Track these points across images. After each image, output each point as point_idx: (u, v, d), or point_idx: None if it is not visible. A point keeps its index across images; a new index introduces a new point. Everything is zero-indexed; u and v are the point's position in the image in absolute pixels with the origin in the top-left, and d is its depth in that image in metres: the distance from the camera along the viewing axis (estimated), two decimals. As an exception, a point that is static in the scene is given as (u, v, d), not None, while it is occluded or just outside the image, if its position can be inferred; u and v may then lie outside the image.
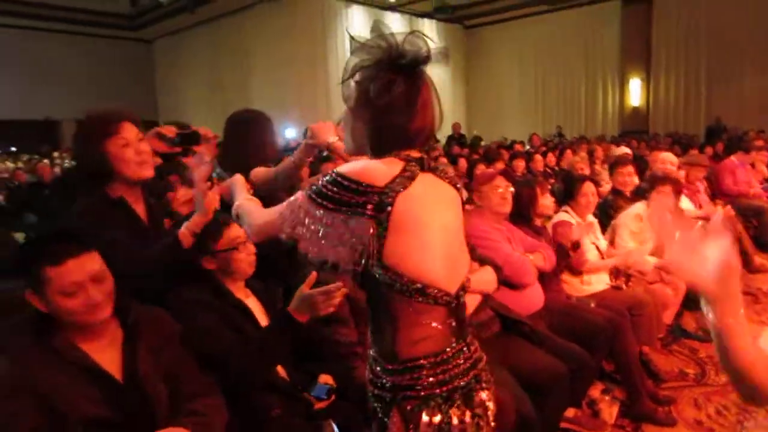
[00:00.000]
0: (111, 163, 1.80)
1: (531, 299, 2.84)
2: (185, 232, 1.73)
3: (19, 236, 7.23)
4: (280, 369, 1.87)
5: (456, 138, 12.01)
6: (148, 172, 1.85)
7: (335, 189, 1.19)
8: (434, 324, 1.24)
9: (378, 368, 1.28)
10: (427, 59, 1.24)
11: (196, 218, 1.74)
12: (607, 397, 2.94)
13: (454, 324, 1.26)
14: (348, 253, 1.20)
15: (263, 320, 1.90)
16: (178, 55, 17.42)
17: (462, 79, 17.32)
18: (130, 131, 1.83)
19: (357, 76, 1.25)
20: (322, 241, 1.20)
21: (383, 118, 1.23)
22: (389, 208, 1.18)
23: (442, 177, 1.32)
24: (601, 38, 15.20)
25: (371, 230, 1.18)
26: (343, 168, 1.21)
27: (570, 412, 2.72)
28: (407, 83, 1.22)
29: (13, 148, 15.08)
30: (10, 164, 11.56)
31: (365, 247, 1.19)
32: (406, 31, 1.25)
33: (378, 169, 1.21)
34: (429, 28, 15.96)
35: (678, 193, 3.79)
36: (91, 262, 1.44)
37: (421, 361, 1.24)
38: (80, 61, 16.61)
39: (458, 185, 1.37)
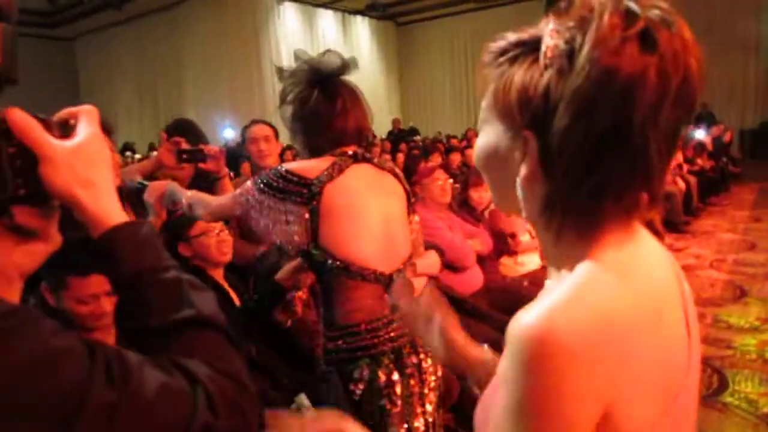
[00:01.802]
0: None
1: (471, 280, 3.13)
2: None
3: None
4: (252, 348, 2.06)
5: (395, 132, 12.29)
6: (115, 182, 1.93)
7: (279, 180, 1.43)
8: (365, 298, 1.45)
9: (324, 336, 1.51)
10: (340, 71, 1.52)
11: (152, 221, 1.82)
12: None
13: (387, 298, 1.49)
14: (290, 234, 1.43)
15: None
16: (101, 54, 16.75)
17: (396, 75, 17.65)
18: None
19: (289, 98, 1.52)
20: (270, 225, 1.44)
21: (311, 126, 1.50)
22: (318, 197, 1.41)
23: (380, 167, 1.58)
24: (526, 35, 15.83)
25: (306, 216, 1.41)
26: (288, 164, 1.48)
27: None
28: (324, 93, 1.48)
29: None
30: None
31: (303, 230, 1.42)
32: (329, 51, 1.53)
33: (311, 165, 1.46)
34: (362, 25, 16.18)
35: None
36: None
37: (353, 329, 1.46)
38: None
39: (398, 173, 1.61)
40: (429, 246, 2.90)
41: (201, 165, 2.29)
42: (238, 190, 1.50)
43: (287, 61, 1.61)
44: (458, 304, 2.84)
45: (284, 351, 2.14)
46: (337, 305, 1.48)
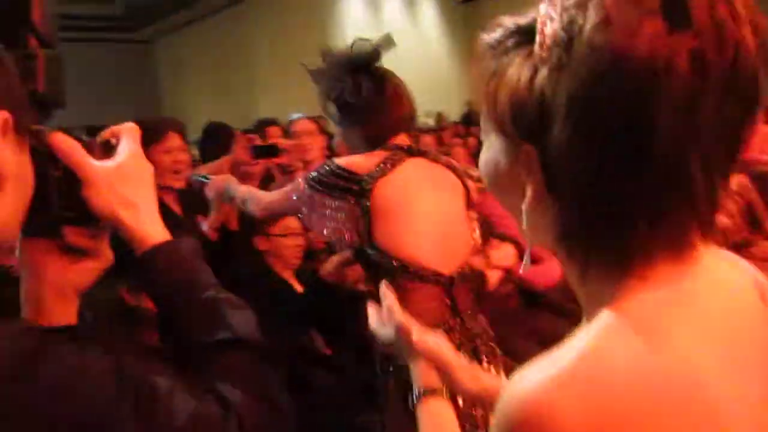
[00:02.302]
0: None
1: (550, 272, 2.94)
2: (209, 231, 1.85)
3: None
4: (320, 340, 2.01)
5: (471, 115, 12.01)
6: (179, 183, 1.95)
7: (329, 176, 1.34)
8: (425, 301, 1.36)
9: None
10: (377, 55, 1.41)
11: (213, 216, 1.91)
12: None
13: (448, 302, 1.37)
14: (340, 232, 1.35)
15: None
16: (178, 53, 17.44)
17: (466, 55, 17.21)
18: (173, 141, 1.94)
19: (334, 94, 1.43)
20: (320, 222, 1.36)
21: (367, 116, 1.39)
22: (369, 194, 1.31)
23: (436, 161, 1.45)
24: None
25: (357, 213, 1.32)
26: (339, 159, 1.39)
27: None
28: (373, 81, 1.41)
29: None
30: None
31: (354, 227, 1.31)
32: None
33: (362, 160, 1.40)
34: (427, 5, 15.90)
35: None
36: None
37: None
38: (80, 69, 16.70)
39: (455, 167, 1.48)
40: (504, 238, 2.76)
41: (274, 160, 2.39)
42: (289, 186, 1.45)
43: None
44: (538, 298, 2.67)
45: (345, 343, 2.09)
46: None
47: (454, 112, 14.16)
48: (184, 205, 2.06)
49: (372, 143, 1.43)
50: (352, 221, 1.34)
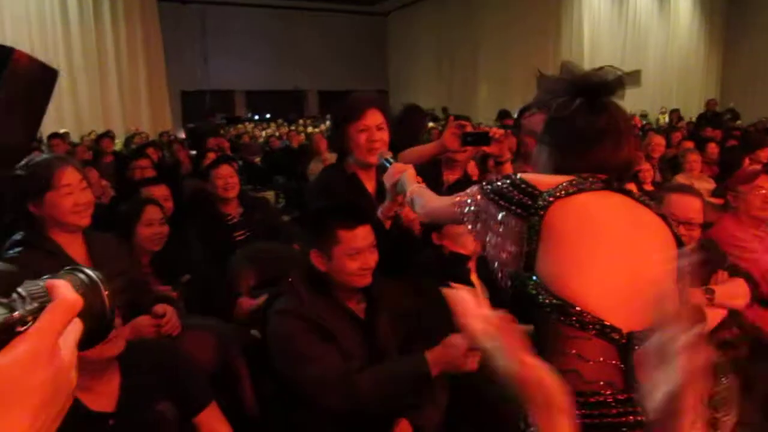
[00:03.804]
0: (348, 144, 1.99)
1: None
2: (381, 217, 1.84)
3: (269, 195, 8.32)
4: None
5: (709, 117, 10.56)
6: (373, 159, 1.96)
7: (506, 186, 1.17)
8: (586, 358, 1.07)
9: None
10: (612, 87, 1.18)
11: (387, 204, 1.83)
12: None
13: (623, 367, 1.08)
14: (499, 249, 1.17)
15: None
16: (409, 28, 18.05)
17: (719, 48, 14.98)
18: (372, 119, 1.96)
19: (542, 103, 1.26)
20: (483, 234, 1.20)
21: (566, 142, 1.19)
22: (542, 212, 1.10)
23: (641, 202, 1.18)
24: None
25: (522, 231, 1.13)
26: (525, 174, 1.20)
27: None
28: (589, 107, 1.17)
29: (268, 115, 17.34)
30: (266, 131, 13.28)
31: (515, 248, 1.14)
32: None
33: (548, 178, 1.17)
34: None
35: None
36: (370, 233, 1.71)
37: None
38: (321, 37, 18.21)
39: (666, 216, 1.20)
40: (735, 271, 2.36)
41: (484, 149, 2.32)
42: (462, 194, 1.29)
43: (590, 41, 1.35)
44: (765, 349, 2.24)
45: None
46: (544, 359, 1.12)
47: (691, 112, 12.62)
48: (378, 186, 2.06)
49: (559, 173, 1.19)
50: (513, 240, 1.14)
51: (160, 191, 2.94)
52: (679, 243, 1.16)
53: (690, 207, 2.09)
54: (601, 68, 1.21)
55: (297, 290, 1.69)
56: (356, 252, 1.66)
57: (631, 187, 1.43)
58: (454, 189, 2.09)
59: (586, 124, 1.16)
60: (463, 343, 1.60)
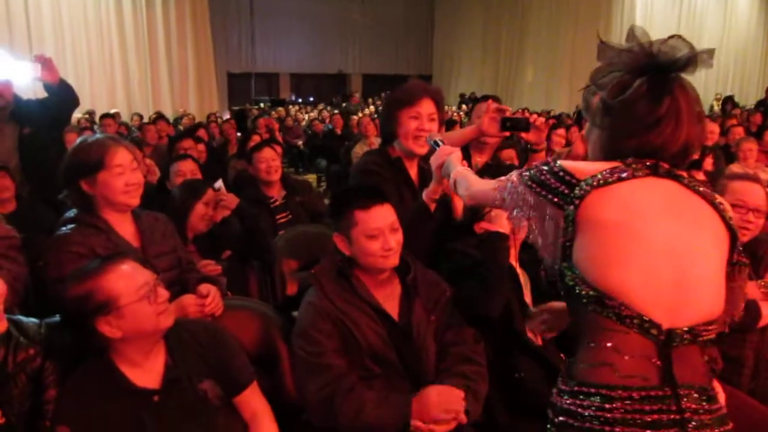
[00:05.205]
0: (397, 130, 1.98)
1: None
2: (426, 199, 1.81)
3: (312, 178, 8.39)
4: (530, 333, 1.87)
5: (767, 104, 10.08)
6: (421, 149, 1.95)
7: (545, 174, 1.11)
8: (622, 352, 1.04)
9: (557, 383, 1.13)
10: (682, 65, 1.07)
11: (433, 186, 1.81)
12: None
13: (659, 364, 1.05)
14: (536, 237, 1.13)
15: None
16: (455, 12, 17.84)
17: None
18: (426, 107, 1.94)
19: (600, 80, 1.14)
20: (528, 225, 1.15)
21: (620, 124, 1.10)
22: (578, 201, 1.06)
23: (691, 188, 1.09)
24: None
25: (559, 220, 1.09)
26: (565, 161, 1.12)
27: None
28: (651, 86, 1.08)
29: (311, 98, 17.44)
30: (309, 114, 13.33)
31: (551, 236, 1.10)
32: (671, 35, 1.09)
33: (587, 166, 1.10)
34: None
35: None
36: (390, 213, 1.67)
37: (592, 389, 1.04)
38: (368, 21, 18.18)
39: (719, 204, 1.11)
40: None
41: (522, 135, 2.29)
42: (502, 180, 1.25)
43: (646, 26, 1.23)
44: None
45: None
46: (583, 351, 1.09)
47: (749, 99, 12.07)
48: (421, 173, 2.05)
49: (609, 157, 1.13)
50: (552, 228, 1.11)
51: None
52: (733, 234, 1.10)
53: (757, 194, 2.02)
54: (671, 37, 1.11)
55: (320, 282, 1.68)
56: (375, 232, 1.63)
57: (699, 175, 1.36)
58: (483, 172, 2.09)
59: (645, 111, 1.09)
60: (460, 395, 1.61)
